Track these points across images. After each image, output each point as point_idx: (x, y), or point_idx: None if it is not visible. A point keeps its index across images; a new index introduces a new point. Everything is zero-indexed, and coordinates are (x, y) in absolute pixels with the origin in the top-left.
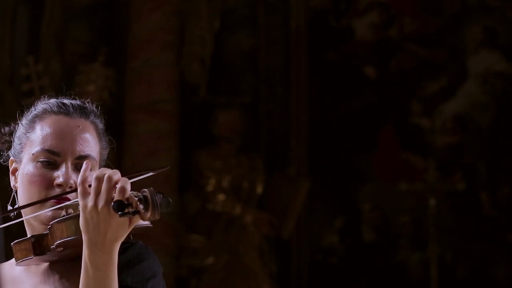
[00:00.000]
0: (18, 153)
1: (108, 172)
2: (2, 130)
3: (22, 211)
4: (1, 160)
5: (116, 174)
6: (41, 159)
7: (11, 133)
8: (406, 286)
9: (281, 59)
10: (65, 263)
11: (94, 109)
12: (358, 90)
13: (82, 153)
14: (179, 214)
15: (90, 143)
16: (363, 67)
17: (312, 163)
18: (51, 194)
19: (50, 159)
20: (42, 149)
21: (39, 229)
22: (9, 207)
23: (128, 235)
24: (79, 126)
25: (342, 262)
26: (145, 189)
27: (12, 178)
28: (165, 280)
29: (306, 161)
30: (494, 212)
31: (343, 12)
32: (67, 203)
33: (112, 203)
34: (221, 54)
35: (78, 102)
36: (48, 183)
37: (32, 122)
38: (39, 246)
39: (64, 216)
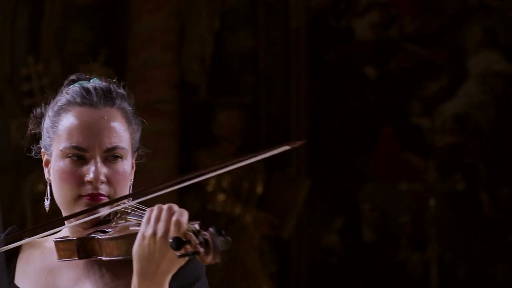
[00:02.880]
0: (48, 146)
1: (169, 204)
2: (35, 112)
3: (61, 208)
4: (33, 154)
5: (177, 206)
6: (69, 155)
7: (42, 116)
8: (406, 286)
9: (281, 59)
10: (110, 261)
11: (121, 90)
12: (358, 90)
13: (109, 145)
14: None
15: (118, 132)
16: (363, 67)
17: (312, 163)
18: (83, 191)
19: (78, 155)
20: (69, 145)
21: (75, 229)
22: (46, 200)
23: None
24: (104, 117)
25: (342, 262)
26: (206, 232)
27: (46, 170)
28: None
29: (306, 161)
30: (494, 212)
31: (343, 12)
32: (104, 200)
33: (171, 240)
34: (221, 54)
35: (102, 85)
36: (79, 180)
37: (58, 114)
38: (83, 250)
39: (112, 219)
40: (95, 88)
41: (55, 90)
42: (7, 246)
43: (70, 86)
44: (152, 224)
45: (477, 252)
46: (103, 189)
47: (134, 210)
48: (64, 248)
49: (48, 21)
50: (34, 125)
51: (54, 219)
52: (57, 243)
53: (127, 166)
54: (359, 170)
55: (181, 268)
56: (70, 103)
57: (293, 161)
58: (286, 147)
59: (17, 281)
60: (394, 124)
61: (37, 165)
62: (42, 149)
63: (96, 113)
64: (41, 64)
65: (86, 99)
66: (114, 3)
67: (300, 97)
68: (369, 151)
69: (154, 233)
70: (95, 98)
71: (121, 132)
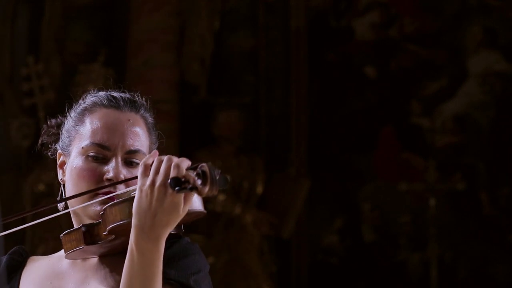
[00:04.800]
0: (66, 146)
1: (169, 155)
2: (49, 122)
3: (69, 204)
4: (49, 153)
5: (177, 157)
6: (91, 153)
7: (58, 126)
8: (406, 286)
9: (281, 59)
10: (114, 258)
11: (144, 102)
12: (358, 90)
13: (132, 148)
14: None
15: (141, 137)
16: (363, 67)
17: (312, 163)
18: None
19: (100, 154)
20: (92, 143)
21: (83, 221)
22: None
23: (180, 226)
24: (129, 120)
25: (342, 262)
26: (203, 163)
27: (59, 172)
28: None
29: (306, 161)
30: (494, 212)
31: (343, 12)
32: (118, 192)
33: (169, 180)
34: (221, 54)
35: (128, 95)
36: (98, 178)
37: (82, 115)
38: (89, 235)
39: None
40: (120, 95)
41: (55, 90)
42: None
43: (96, 93)
44: (152, 175)
45: (477, 252)
46: (119, 189)
47: None
48: (71, 239)
49: (48, 21)
50: (47, 135)
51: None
52: (63, 236)
53: None
54: (359, 170)
55: (182, 259)
56: (96, 105)
57: (293, 161)
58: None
59: (22, 287)
60: (394, 124)
61: (37, 165)
62: (59, 150)
63: (122, 115)
64: (41, 64)
65: (112, 102)
66: (114, 3)
67: (300, 97)
68: (369, 151)
69: (152, 183)
70: (121, 102)
71: (143, 138)
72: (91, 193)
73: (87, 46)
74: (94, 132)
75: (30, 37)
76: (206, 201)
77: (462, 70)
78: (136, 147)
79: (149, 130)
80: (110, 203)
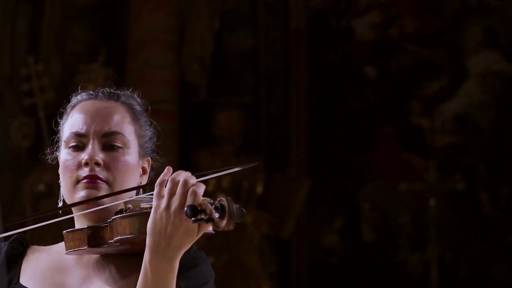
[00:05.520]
0: (57, 147)
1: (184, 175)
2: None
3: (65, 199)
4: (50, 159)
5: (192, 179)
6: (71, 144)
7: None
8: (406, 286)
9: (281, 59)
10: (119, 258)
11: (128, 92)
12: (358, 90)
13: (108, 130)
14: None
15: (118, 121)
16: (363, 67)
17: (312, 163)
18: (80, 174)
19: (79, 143)
20: (70, 133)
21: (83, 221)
22: (59, 203)
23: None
24: (106, 107)
25: (342, 262)
26: (223, 198)
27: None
28: None
29: (306, 161)
30: (494, 212)
31: (343, 12)
32: (98, 174)
33: (186, 208)
34: (221, 54)
35: (111, 90)
36: (78, 164)
37: (66, 114)
38: (94, 238)
39: (124, 212)
40: (102, 89)
41: (55, 90)
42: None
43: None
44: (166, 198)
45: (477, 252)
46: (100, 173)
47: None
48: (74, 238)
49: (48, 21)
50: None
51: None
52: (67, 233)
53: (129, 157)
54: (359, 170)
55: (190, 269)
56: (77, 101)
57: (293, 161)
58: (237, 168)
59: (23, 280)
60: (394, 124)
61: (37, 165)
62: (57, 154)
63: (98, 103)
64: (41, 64)
65: (92, 95)
66: (114, 3)
67: (300, 97)
68: (369, 151)
69: (168, 206)
70: (100, 94)
71: (123, 123)
72: (75, 181)
73: (87, 46)
74: (73, 124)
75: (30, 37)
76: None
77: (462, 70)
78: (113, 129)
79: (133, 116)
80: (120, 215)
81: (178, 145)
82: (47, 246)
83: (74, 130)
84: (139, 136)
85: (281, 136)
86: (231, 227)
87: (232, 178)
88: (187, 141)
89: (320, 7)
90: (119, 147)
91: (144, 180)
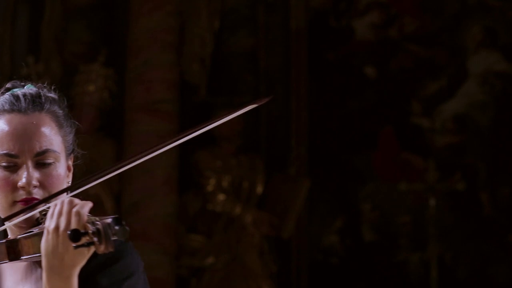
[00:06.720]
0: None
1: (73, 198)
2: None
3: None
4: None
5: (78, 200)
6: (2, 164)
7: None
8: (406, 286)
9: (281, 59)
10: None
11: (51, 95)
12: (358, 90)
13: (40, 149)
14: (179, 214)
15: (48, 136)
16: (363, 67)
17: (312, 163)
18: (17, 196)
19: (10, 162)
20: (1, 153)
21: (15, 231)
22: None
23: None
24: (33, 122)
25: (342, 262)
26: (99, 222)
27: None
28: (165, 280)
29: (306, 161)
30: (494, 212)
31: (343, 12)
32: (36, 196)
33: (69, 232)
34: (221, 54)
35: (31, 91)
36: (12, 187)
37: None
38: (13, 251)
39: (32, 231)
40: (24, 95)
41: (55, 90)
42: None
43: (3, 95)
44: (55, 218)
45: (477, 252)
46: (37, 193)
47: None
48: None
49: (48, 21)
50: None
51: None
52: None
53: (60, 169)
54: (359, 170)
55: (114, 264)
56: (1, 110)
57: (293, 161)
58: (253, 105)
59: None
60: (394, 124)
61: None
62: None
63: (25, 118)
64: (41, 64)
65: (15, 105)
66: (114, 3)
67: (300, 97)
68: (369, 151)
69: (56, 227)
70: (23, 104)
71: (52, 136)
72: (11, 202)
73: (87, 46)
74: (1, 142)
75: (30, 37)
76: (206, 201)
77: (462, 70)
78: (44, 147)
79: (59, 124)
80: (25, 235)
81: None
82: None
83: (5, 151)
84: (65, 142)
85: (281, 136)
86: (111, 249)
87: (232, 178)
88: (187, 141)
89: (320, 7)
90: (51, 163)
91: (70, 178)
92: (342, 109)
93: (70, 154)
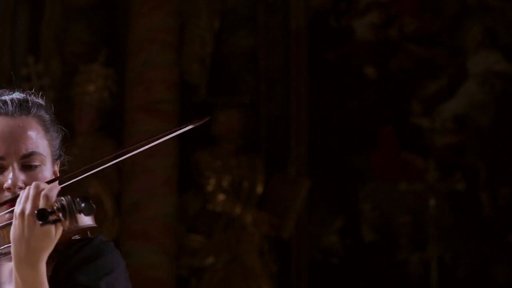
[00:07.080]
0: None
1: (40, 183)
2: None
3: None
4: None
5: (45, 184)
6: None
7: None
8: (406, 286)
9: (281, 59)
10: None
11: (38, 100)
12: (358, 90)
13: (25, 152)
14: (179, 214)
15: (34, 139)
16: (363, 67)
17: (312, 163)
18: (3, 198)
19: None
20: None
21: None
22: None
23: (85, 232)
24: (20, 125)
25: (342, 262)
26: (64, 197)
27: None
28: (165, 280)
29: (306, 161)
30: (494, 212)
31: (343, 12)
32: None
33: (36, 211)
34: (221, 54)
35: (19, 96)
36: None
37: None
38: None
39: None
40: (11, 99)
41: (55, 90)
42: None
43: None
44: (22, 202)
45: (477, 252)
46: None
47: None
48: None
49: (48, 21)
50: None
51: None
52: None
53: (46, 172)
54: (359, 170)
55: (93, 262)
56: None
57: (293, 161)
58: (191, 126)
59: None
60: (394, 124)
61: None
62: None
63: (12, 121)
64: (41, 64)
65: (2, 109)
66: (114, 3)
67: (300, 97)
68: (369, 151)
69: (22, 212)
70: (10, 108)
71: (38, 139)
72: None
73: (87, 46)
74: None
75: (30, 37)
76: (206, 201)
77: (462, 70)
78: (30, 150)
79: (45, 128)
80: (0, 225)
81: (178, 145)
82: None
83: None
84: (51, 146)
85: (281, 136)
86: (75, 225)
87: (232, 178)
88: (187, 141)
89: (320, 7)
90: (37, 166)
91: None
92: (342, 109)
93: (56, 159)
